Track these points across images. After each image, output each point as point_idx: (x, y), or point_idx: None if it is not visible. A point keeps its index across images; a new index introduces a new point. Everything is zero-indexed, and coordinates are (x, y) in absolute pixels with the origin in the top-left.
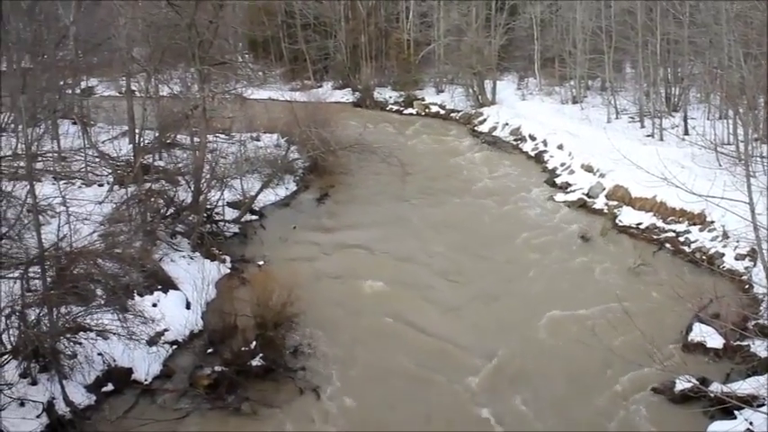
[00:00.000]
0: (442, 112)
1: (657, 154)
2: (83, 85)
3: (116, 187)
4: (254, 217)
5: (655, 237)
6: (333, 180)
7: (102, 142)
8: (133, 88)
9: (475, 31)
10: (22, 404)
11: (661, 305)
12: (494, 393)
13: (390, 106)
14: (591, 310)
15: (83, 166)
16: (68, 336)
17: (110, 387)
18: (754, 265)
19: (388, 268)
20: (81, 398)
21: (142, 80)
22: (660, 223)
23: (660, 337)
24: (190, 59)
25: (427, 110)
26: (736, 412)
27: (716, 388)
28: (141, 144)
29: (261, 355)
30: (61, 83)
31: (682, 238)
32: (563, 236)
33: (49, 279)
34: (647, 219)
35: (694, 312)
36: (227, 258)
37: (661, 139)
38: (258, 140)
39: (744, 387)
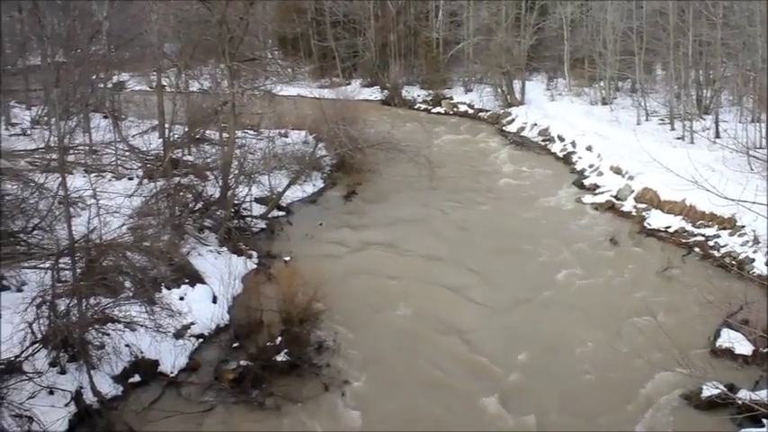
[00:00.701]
0: (471, 111)
1: (688, 157)
2: (114, 79)
3: (145, 181)
4: (281, 213)
5: (683, 240)
6: (360, 178)
7: (133, 136)
8: (164, 83)
9: (504, 31)
10: (51, 392)
11: (689, 310)
12: (519, 397)
13: (418, 105)
14: (618, 314)
15: (113, 159)
16: (97, 326)
17: (136, 378)
18: None
19: (415, 267)
20: (108, 388)
21: (172, 75)
22: (689, 227)
23: (688, 342)
24: (220, 56)
25: (455, 109)
26: (764, 420)
27: (744, 395)
28: (171, 139)
29: (286, 350)
30: (93, 77)
31: (711, 243)
32: (591, 238)
33: (78, 270)
34: (675, 222)
35: (723, 318)
36: (254, 254)
37: (691, 142)
38: (286, 137)
39: None
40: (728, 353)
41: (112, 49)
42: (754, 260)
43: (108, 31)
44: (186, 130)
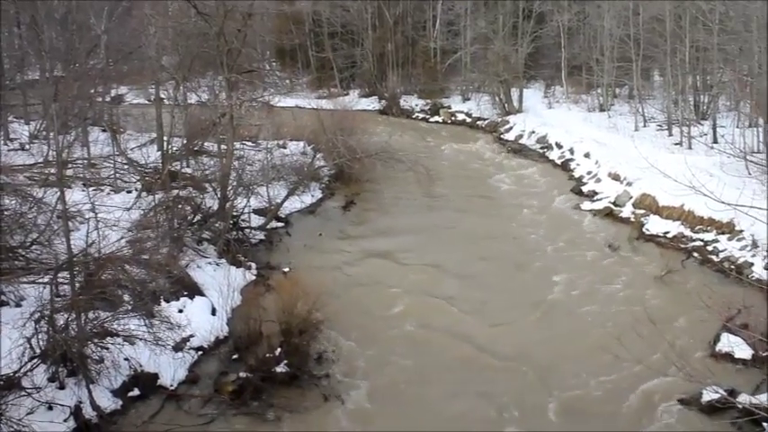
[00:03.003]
0: (469, 120)
1: (685, 162)
2: (113, 93)
3: (144, 194)
4: (279, 224)
5: (682, 246)
6: (358, 188)
7: (131, 149)
8: (162, 96)
9: (502, 39)
10: (50, 408)
11: (689, 315)
12: (521, 405)
13: (416, 114)
14: (617, 319)
15: (112, 172)
16: (96, 341)
17: (136, 392)
18: None
19: (414, 276)
20: (108, 402)
21: (171, 88)
22: (688, 232)
23: (688, 346)
24: (218, 68)
25: (453, 118)
26: (764, 424)
27: (744, 399)
28: (169, 151)
29: (286, 361)
30: (92, 91)
31: (710, 248)
32: (590, 244)
33: (77, 284)
34: (674, 227)
35: (722, 322)
36: (253, 265)
37: (689, 148)
38: (285, 148)
39: None
40: (728, 357)
41: (111, 63)
42: (752, 264)
43: (106, 45)
44: (185, 142)
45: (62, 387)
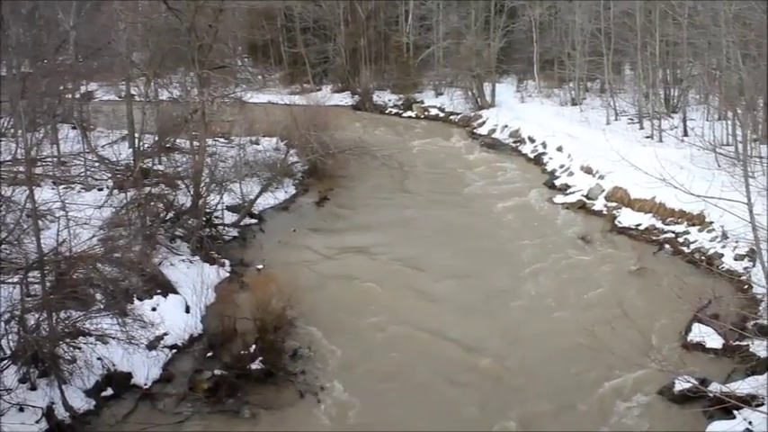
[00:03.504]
0: (442, 114)
1: (656, 155)
2: (82, 89)
3: (115, 191)
4: (253, 221)
5: (654, 237)
6: (332, 183)
7: (102, 147)
8: (133, 92)
9: (474, 34)
10: (22, 409)
11: (660, 306)
12: (493, 397)
13: (390, 109)
14: (591, 312)
15: (82, 170)
16: (68, 340)
17: (109, 392)
18: (753, 266)
19: (388, 271)
20: (80, 403)
21: (142, 84)
22: (659, 224)
23: (660, 337)
24: (189, 63)
25: (426, 113)
26: (735, 412)
27: (715, 388)
28: (141, 148)
29: (261, 358)
30: (61, 87)
31: (681, 239)
32: (563, 237)
33: (48, 284)
34: (646, 220)
35: (694, 313)
36: (227, 262)
37: (660, 141)
38: (257, 144)
39: (743, 387)
40: (700, 347)
41: (80, 59)
42: (722, 255)
43: (75, 41)
44: (156, 139)
45: (33, 388)
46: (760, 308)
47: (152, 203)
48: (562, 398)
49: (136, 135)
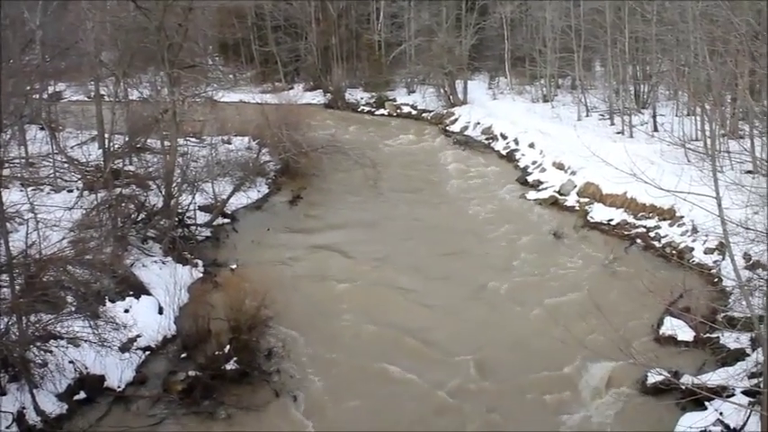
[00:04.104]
0: (414, 112)
1: (626, 151)
2: (50, 89)
3: (86, 193)
4: (226, 220)
5: (626, 232)
6: (305, 182)
7: (71, 147)
8: (102, 92)
9: (445, 32)
10: None
11: (633, 300)
12: (466, 391)
13: (362, 107)
14: (564, 307)
15: (51, 171)
16: (38, 344)
17: (82, 395)
18: (723, 259)
19: (362, 269)
20: (52, 407)
21: (111, 84)
22: (631, 219)
23: (632, 331)
24: (159, 63)
25: (399, 110)
26: (706, 403)
27: (687, 380)
28: (111, 149)
29: (235, 358)
30: (28, 88)
31: (652, 234)
32: (535, 233)
33: (17, 287)
34: (617, 215)
35: (665, 306)
36: (200, 262)
37: (631, 136)
38: (229, 143)
39: (714, 378)
40: (672, 340)
41: (47, 59)
42: (693, 249)
43: (42, 40)
44: (127, 139)
45: (3, 393)
46: (730, 300)
47: (123, 204)
48: (535, 393)
49: (106, 135)
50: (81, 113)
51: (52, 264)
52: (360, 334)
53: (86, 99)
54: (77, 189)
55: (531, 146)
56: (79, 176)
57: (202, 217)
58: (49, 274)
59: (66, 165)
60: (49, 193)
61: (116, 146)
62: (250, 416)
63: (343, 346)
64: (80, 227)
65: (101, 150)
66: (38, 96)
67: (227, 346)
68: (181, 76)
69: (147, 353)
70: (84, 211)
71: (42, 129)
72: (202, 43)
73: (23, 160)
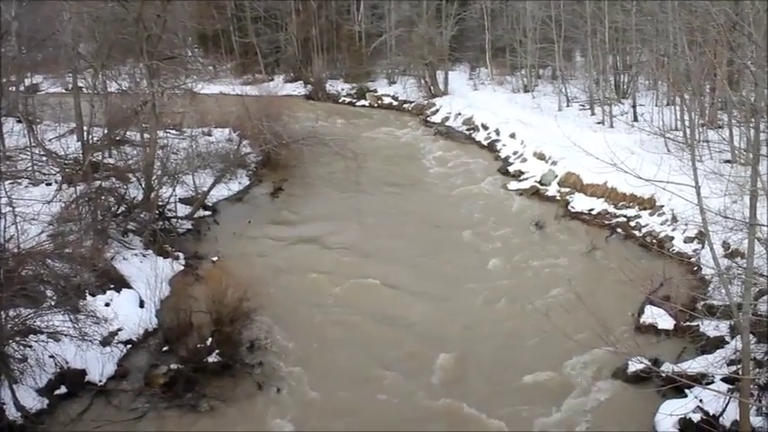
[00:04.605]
0: (395, 103)
1: (607, 141)
2: (27, 81)
3: (65, 186)
4: (207, 213)
5: (606, 222)
6: (286, 174)
7: (49, 140)
8: (80, 85)
9: (426, 22)
10: None
11: (613, 289)
12: (449, 383)
13: (343, 98)
14: (545, 296)
15: (29, 165)
16: (18, 339)
17: (63, 390)
18: (702, 248)
19: (344, 261)
20: (33, 402)
21: (89, 76)
22: (611, 209)
23: (613, 319)
24: (138, 55)
25: (380, 101)
26: (686, 391)
27: (667, 368)
28: (90, 141)
29: (217, 351)
30: (4, 80)
31: (633, 223)
32: (517, 223)
33: None
34: (598, 204)
35: (646, 295)
36: (181, 255)
37: (611, 126)
38: (210, 135)
39: (694, 366)
40: (652, 328)
41: (23, 51)
42: (672, 238)
43: (18, 32)
44: (106, 131)
45: None
46: (709, 288)
47: (103, 197)
48: (517, 382)
49: (84, 128)
50: (59, 106)
51: (31, 258)
52: (343, 324)
53: (64, 91)
54: (56, 182)
55: (512, 136)
56: (58, 169)
57: (183, 209)
58: (28, 269)
59: (44, 158)
60: (27, 186)
61: (95, 138)
62: (233, 408)
63: (326, 338)
64: (59, 220)
65: (79, 143)
66: (14, 89)
67: (209, 339)
68: (160, 67)
69: (129, 346)
70: (64, 205)
71: (19, 121)
72: (182, 34)
73: (1, 153)
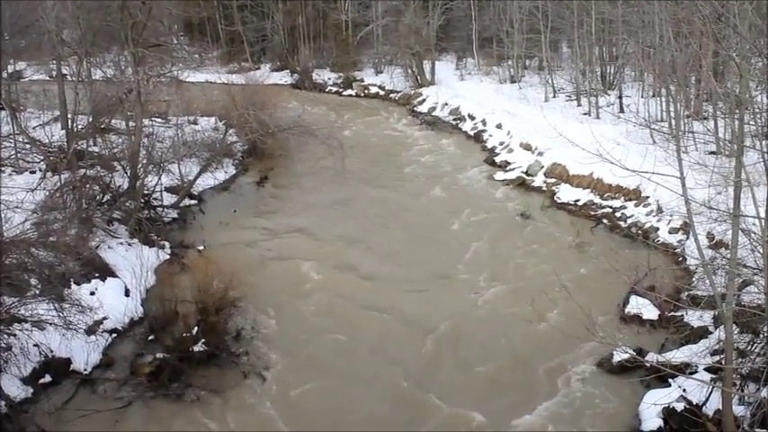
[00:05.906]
0: (382, 92)
1: (593, 132)
2: (10, 69)
3: (49, 174)
4: (192, 202)
5: (592, 213)
6: (272, 163)
7: (33, 128)
8: (64, 72)
9: (413, 12)
10: None
11: (599, 280)
12: (435, 373)
13: (329, 88)
14: (531, 287)
15: (12, 153)
16: (2, 328)
17: (47, 378)
18: (687, 238)
19: (329, 251)
20: (17, 391)
21: (74, 63)
22: (597, 199)
23: (598, 310)
24: (123, 42)
25: (366, 91)
26: (670, 380)
27: (651, 358)
28: (75, 129)
29: (203, 340)
30: None
31: (618, 214)
32: (503, 214)
33: None
34: (584, 195)
35: (631, 285)
36: (167, 244)
37: (597, 117)
38: (196, 124)
39: (678, 356)
40: (637, 318)
41: (6, 37)
42: (657, 229)
43: (0, 18)
44: (90, 119)
45: None
46: (693, 279)
47: (87, 186)
48: (502, 372)
49: (69, 116)
50: (43, 93)
51: (15, 246)
52: (328, 314)
53: (48, 79)
54: (40, 170)
55: (499, 126)
56: (42, 157)
57: (169, 198)
58: (12, 257)
59: (28, 146)
60: (10, 174)
61: (80, 126)
62: (219, 397)
63: (312, 327)
64: (43, 208)
65: (64, 131)
66: None
67: (195, 328)
68: (145, 55)
69: (114, 335)
70: (48, 193)
71: (2, 109)
72: (167, 22)
73: None
